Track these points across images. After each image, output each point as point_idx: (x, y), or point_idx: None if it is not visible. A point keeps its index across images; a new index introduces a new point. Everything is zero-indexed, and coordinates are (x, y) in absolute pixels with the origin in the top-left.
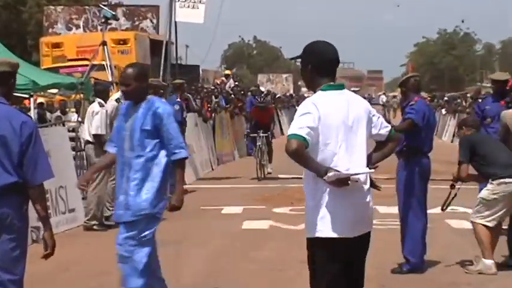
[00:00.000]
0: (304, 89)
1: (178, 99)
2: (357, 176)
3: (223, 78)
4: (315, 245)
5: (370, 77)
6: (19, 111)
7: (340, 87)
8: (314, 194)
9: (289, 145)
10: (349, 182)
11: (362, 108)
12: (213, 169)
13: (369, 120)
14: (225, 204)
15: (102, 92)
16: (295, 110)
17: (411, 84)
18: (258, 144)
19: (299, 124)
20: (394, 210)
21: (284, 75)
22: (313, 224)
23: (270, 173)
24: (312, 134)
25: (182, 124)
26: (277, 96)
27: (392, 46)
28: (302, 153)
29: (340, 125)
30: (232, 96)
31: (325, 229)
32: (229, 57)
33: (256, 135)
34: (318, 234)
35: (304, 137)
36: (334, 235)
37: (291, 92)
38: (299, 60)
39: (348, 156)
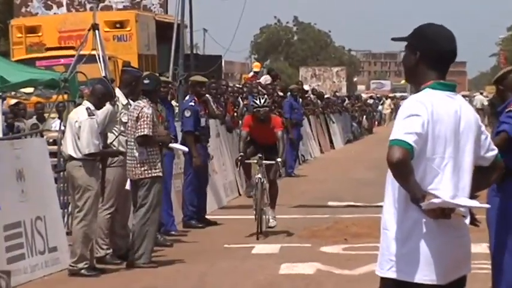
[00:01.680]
0: (361, 87)
1: (192, 103)
2: (462, 209)
3: (252, 73)
4: None
5: (449, 70)
6: None
7: (453, 87)
8: (401, 222)
9: (391, 153)
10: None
11: (473, 119)
12: (240, 194)
13: (477, 138)
14: (257, 241)
15: (105, 95)
16: (352, 116)
17: (510, 82)
18: (256, 177)
19: (405, 128)
20: (483, 248)
21: (335, 69)
22: (393, 260)
23: (271, 227)
24: (418, 143)
25: (199, 135)
26: (326, 96)
27: (478, 30)
28: (407, 165)
29: (450, 137)
30: (266, 97)
31: (410, 271)
32: (262, 45)
33: (254, 161)
34: (399, 276)
35: (411, 145)
36: (424, 280)
37: (344, 91)
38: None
39: (454, 180)
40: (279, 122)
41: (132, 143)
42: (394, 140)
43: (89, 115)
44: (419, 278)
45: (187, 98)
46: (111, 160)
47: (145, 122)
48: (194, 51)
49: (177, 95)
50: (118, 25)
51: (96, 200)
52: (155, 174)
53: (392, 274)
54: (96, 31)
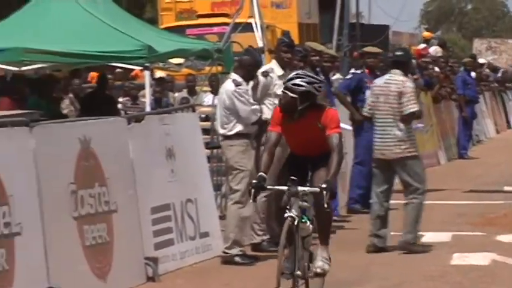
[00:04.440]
0: None
1: (359, 70)
2: None
3: (425, 45)
4: None
5: None
6: None
7: None
8: None
9: None
10: None
11: None
12: None
13: None
14: (426, 228)
15: (253, 66)
16: None
17: None
18: (288, 216)
19: None
20: None
21: None
22: None
23: (320, 274)
24: None
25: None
26: (502, 71)
27: None
28: None
29: None
30: (437, 70)
31: None
32: (432, 14)
33: (284, 188)
34: None
35: None
36: None
37: None
38: None
39: None
40: (335, 119)
41: (391, 120)
42: None
43: (236, 85)
44: None
45: (355, 74)
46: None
47: (412, 98)
48: (360, 21)
49: (340, 68)
50: None
51: (251, 181)
52: (416, 153)
53: None
54: None
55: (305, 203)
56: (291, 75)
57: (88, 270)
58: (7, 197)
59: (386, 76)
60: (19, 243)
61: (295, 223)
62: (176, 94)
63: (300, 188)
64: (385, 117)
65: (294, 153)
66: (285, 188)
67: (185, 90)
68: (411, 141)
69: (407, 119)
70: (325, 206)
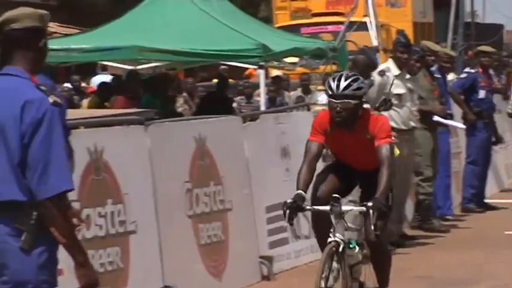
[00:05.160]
0: None
1: (473, 70)
2: None
3: None
4: None
5: None
6: (35, 87)
7: None
8: None
9: None
10: None
11: None
12: None
13: None
14: None
15: (368, 66)
16: None
17: None
18: (332, 241)
19: None
20: None
21: None
22: None
23: None
24: None
25: (481, 110)
26: None
27: None
28: None
29: None
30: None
31: None
32: None
33: (327, 208)
34: None
35: None
36: None
37: None
38: None
39: None
40: (385, 127)
41: None
42: None
43: None
44: None
45: (470, 74)
46: None
47: None
48: (474, 20)
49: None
50: None
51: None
52: None
53: None
54: None
55: (351, 225)
56: (343, 84)
57: (203, 269)
58: (122, 195)
59: None
60: (134, 242)
61: (341, 249)
62: (292, 93)
63: (344, 208)
64: None
65: (343, 165)
66: (327, 208)
67: (300, 89)
68: None
69: None
70: (373, 227)
